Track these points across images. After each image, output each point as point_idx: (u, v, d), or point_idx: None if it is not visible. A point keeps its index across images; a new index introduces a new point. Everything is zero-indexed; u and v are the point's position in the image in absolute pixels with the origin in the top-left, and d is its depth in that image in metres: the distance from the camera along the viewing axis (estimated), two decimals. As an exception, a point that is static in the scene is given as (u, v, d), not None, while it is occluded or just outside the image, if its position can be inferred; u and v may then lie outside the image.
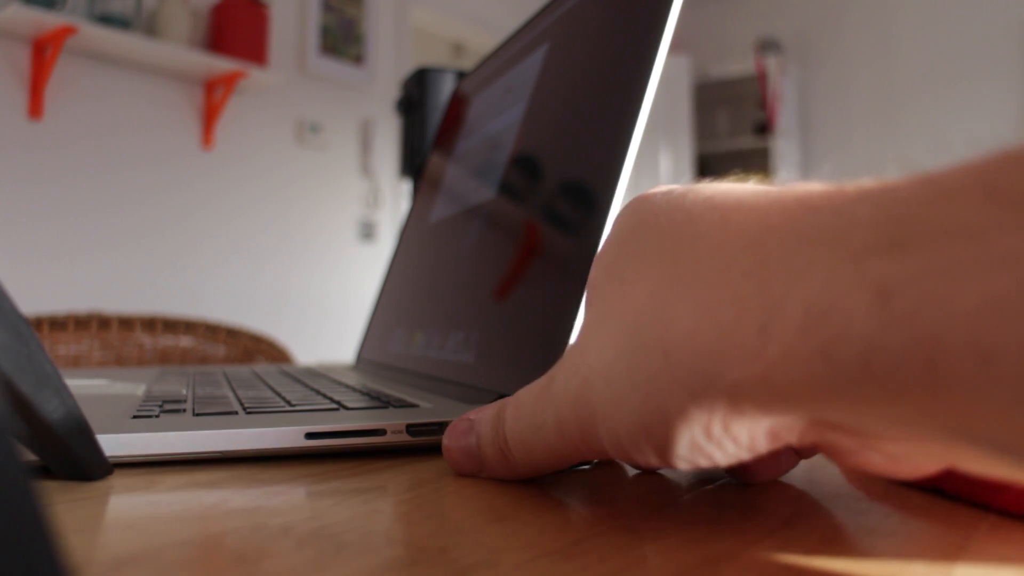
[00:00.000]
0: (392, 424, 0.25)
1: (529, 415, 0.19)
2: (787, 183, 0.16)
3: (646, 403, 0.15)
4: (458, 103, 0.57)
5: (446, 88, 0.90)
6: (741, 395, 0.14)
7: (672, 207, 0.17)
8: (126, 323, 0.96)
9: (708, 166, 4.08)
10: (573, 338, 0.26)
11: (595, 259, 0.19)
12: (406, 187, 2.55)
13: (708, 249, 0.15)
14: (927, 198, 0.12)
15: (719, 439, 0.15)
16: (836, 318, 0.12)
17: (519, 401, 0.20)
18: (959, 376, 0.11)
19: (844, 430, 0.14)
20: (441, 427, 0.25)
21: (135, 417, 0.26)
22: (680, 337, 0.15)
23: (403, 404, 0.29)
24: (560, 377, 0.18)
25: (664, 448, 0.15)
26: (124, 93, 2.06)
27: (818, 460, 0.24)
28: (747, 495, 0.19)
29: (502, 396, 0.30)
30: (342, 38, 2.56)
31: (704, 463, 0.16)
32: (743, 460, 0.16)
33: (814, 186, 0.15)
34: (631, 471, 0.22)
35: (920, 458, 0.15)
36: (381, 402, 0.30)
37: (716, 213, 0.16)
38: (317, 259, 2.50)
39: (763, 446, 0.15)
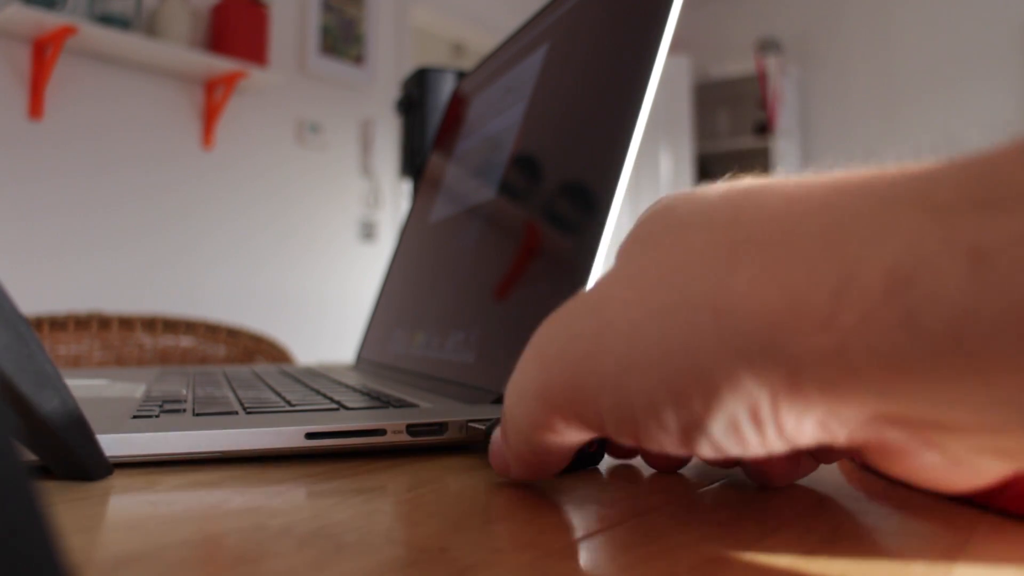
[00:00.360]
0: (392, 424, 0.25)
1: (514, 387, 0.18)
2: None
3: (682, 368, 0.13)
4: (458, 103, 0.57)
5: (446, 88, 0.90)
6: (804, 370, 0.12)
7: (723, 188, 0.16)
8: (126, 323, 0.96)
9: (708, 166, 4.08)
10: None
11: (629, 234, 0.17)
12: (406, 187, 2.55)
13: (770, 216, 0.14)
14: (1018, 158, 0.11)
15: (763, 422, 0.13)
16: (923, 282, 0.11)
17: (512, 378, 0.18)
18: None
19: (907, 425, 0.13)
20: (441, 427, 0.25)
21: (135, 417, 0.26)
22: (736, 297, 0.13)
23: (403, 404, 0.29)
24: (553, 335, 0.16)
25: (694, 423, 0.14)
26: (124, 93, 2.06)
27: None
28: (747, 495, 0.19)
29: (502, 396, 0.30)
30: (342, 38, 2.56)
31: (732, 450, 0.14)
32: (775, 453, 0.14)
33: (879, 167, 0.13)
34: (628, 472, 0.22)
35: (989, 458, 0.14)
36: (381, 402, 0.30)
37: (773, 194, 0.14)
38: (317, 259, 2.50)
39: (806, 438, 0.13)
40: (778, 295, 0.12)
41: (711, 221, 0.15)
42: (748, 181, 0.16)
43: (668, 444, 0.15)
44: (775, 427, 0.13)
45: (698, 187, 0.17)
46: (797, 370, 0.12)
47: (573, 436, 0.17)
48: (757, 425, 0.13)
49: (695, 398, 0.13)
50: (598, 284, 0.17)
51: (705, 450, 0.14)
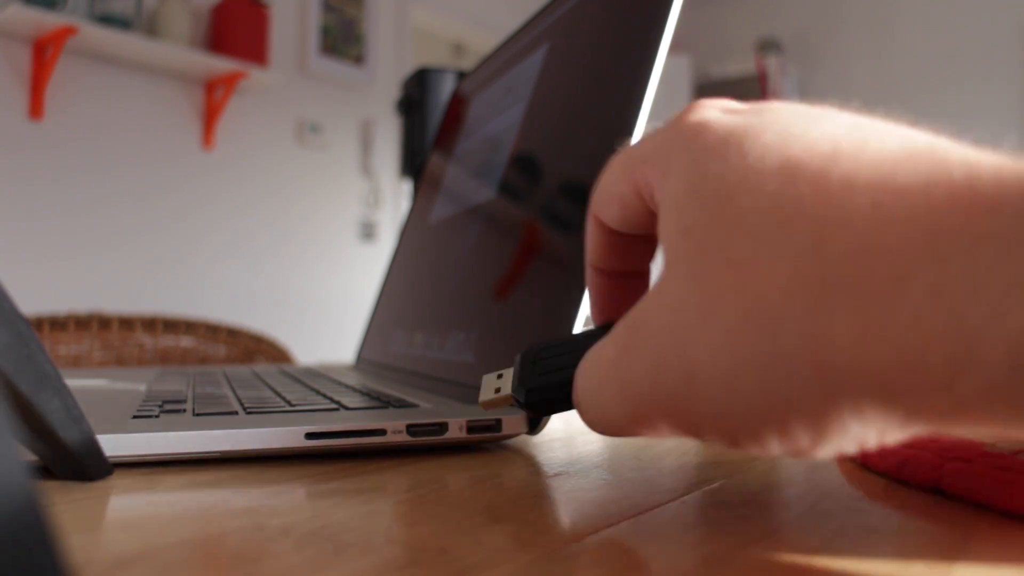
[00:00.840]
0: (392, 424, 0.25)
1: (595, 413, 0.17)
2: (899, 123, 0.14)
3: (787, 415, 0.13)
4: (458, 103, 0.57)
5: (446, 88, 0.90)
6: (917, 418, 0.12)
7: (776, 159, 0.14)
8: (127, 323, 0.96)
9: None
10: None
11: (668, 213, 0.16)
12: (406, 187, 2.55)
13: (865, 247, 0.12)
14: None
15: (866, 446, 0.14)
16: None
17: (590, 406, 0.18)
18: None
19: None
20: (441, 427, 0.25)
21: (135, 417, 0.26)
22: (839, 353, 0.12)
23: (403, 404, 0.29)
24: (638, 364, 0.16)
25: (799, 451, 0.14)
26: (124, 93, 2.07)
27: (818, 460, 0.24)
28: (747, 495, 0.19)
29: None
30: (342, 38, 2.56)
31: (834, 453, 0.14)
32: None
33: (970, 155, 0.13)
34: (628, 472, 0.22)
35: None
36: (381, 402, 0.30)
37: (855, 191, 0.13)
38: (317, 259, 2.50)
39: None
40: (888, 354, 0.12)
41: (789, 239, 0.13)
42: (812, 147, 0.14)
43: (766, 453, 0.15)
44: (875, 445, 0.14)
45: (736, 133, 0.15)
46: (909, 419, 0.12)
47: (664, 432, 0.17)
48: (860, 447, 0.14)
49: (802, 436, 0.14)
50: (665, 295, 0.15)
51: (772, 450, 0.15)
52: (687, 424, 0.15)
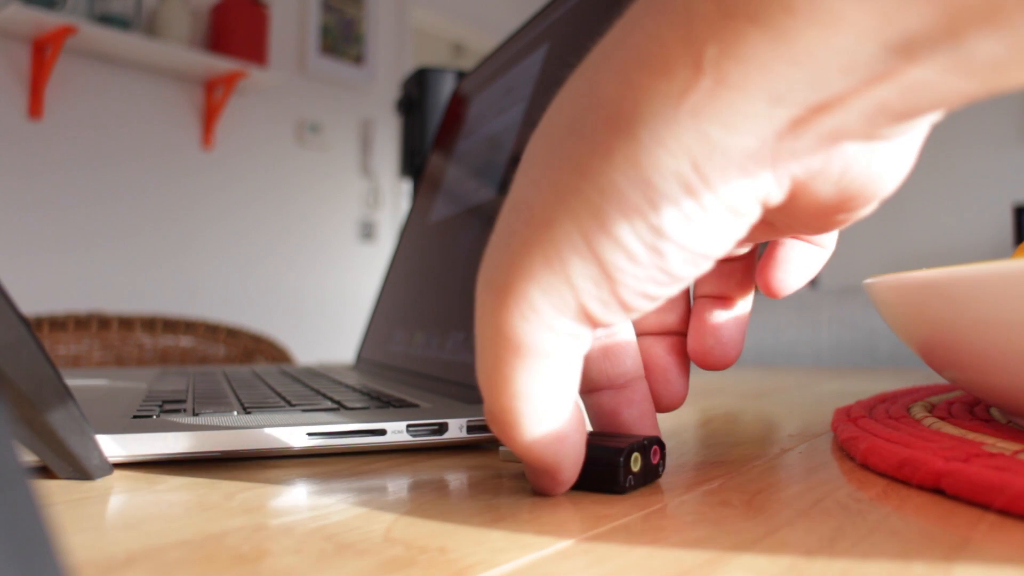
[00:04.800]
0: (392, 424, 0.25)
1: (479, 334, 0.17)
2: None
3: (609, 180, 0.14)
4: (458, 103, 0.57)
5: (446, 88, 0.90)
6: (701, 116, 0.14)
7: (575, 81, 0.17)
8: (126, 323, 0.96)
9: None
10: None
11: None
12: (406, 187, 2.55)
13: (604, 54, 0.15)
14: None
15: (695, 189, 0.14)
16: None
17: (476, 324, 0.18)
18: None
19: (820, 132, 0.14)
20: (441, 427, 0.25)
21: (135, 417, 0.26)
22: (614, 96, 0.14)
23: (403, 404, 0.29)
24: (492, 257, 0.17)
25: (650, 229, 0.15)
26: (124, 93, 2.07)
27: (818, 460, 0.24)
28: (747, 495, 0.19)
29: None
30: (342, 38, 2.56)
31: (696, 244, 0.15)
32: (733, 237, 0.15)
33: None
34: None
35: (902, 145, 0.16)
36: (381, 402, 0.30)
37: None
38: (317, 259, 2.50)
39: (741, 198, 0.15)
40: (645, 72, 0.14)
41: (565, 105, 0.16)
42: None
43: (645, 279, 0.15)
44: (709, 191, 0.14)
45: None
46: (695, 113, 0.14)
47: (558, 343, 0.16)
48: (694, 196, 0.14)
49: (631, 193, 0.14)
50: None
51: (677, 259, 0.15)
52: (560, 281, 0.15)
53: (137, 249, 2.08)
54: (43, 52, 1.87)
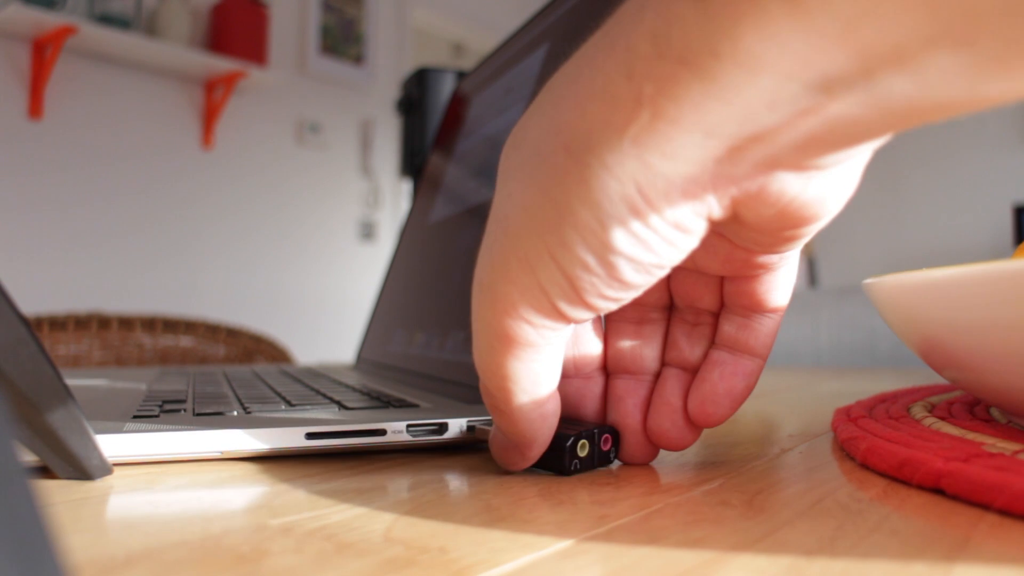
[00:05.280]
0: (392, 424, 0.25)
1: (475, 335, 0.20)
2: None
3: (565, 199, 0.16)
4: (458, 103, 0.57)
5: (446, 88, 0.90)
6: (642, 145, 0.15)
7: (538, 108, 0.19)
8: (126, 323, 0.96)
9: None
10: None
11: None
12: (406, 187, 2.55)
13: (568, 80, 0.17)
14: None
15: (641, 211, 0.16)
16: (676, 32, 0.14)
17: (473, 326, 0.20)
18: (779, 22, 0.13)
19: (755, 160, 0.15)
20: (441, 427, 0.25)
21: (135, 417, 0.26)
22: (570, 125, 0.16)
23: (403, 404, 0.29)
24: (479, 271, 0.19)
25: (602, 245, 0.16)
26: (124, 93, 2.07)
27: (818, 460, 0.24)
28: (747, 495, 0.19)
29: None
30: (342, 38, 2.56)
31: (645, 256, 0.17)
32: (680, 248, 0.17)
33: None
34: (628, 472, 0.22)
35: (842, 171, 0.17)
36: (381, 402, 0.30)
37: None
38: (317, 259, 2.50)
39: (687, 217, 0.16)
40: (597, 107, 0.16)
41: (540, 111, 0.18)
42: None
43: (603, 285, 0.17)
44: (653, 211, 0.16)
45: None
46: (638, 146, 0.15)
47: (538, 335, 0.18)
48: (640, 217, 0.16)
49: (584, 214, 0.16)
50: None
51: (628, 270, 0.17)
52: (533, 285, 0.17)
53: (137, 249, 2.08)
54: (43, 52, 1.87)
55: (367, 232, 2.65)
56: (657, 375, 0.23)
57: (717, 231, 0.19)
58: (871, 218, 3.59)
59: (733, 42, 0.13)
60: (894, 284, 0.25)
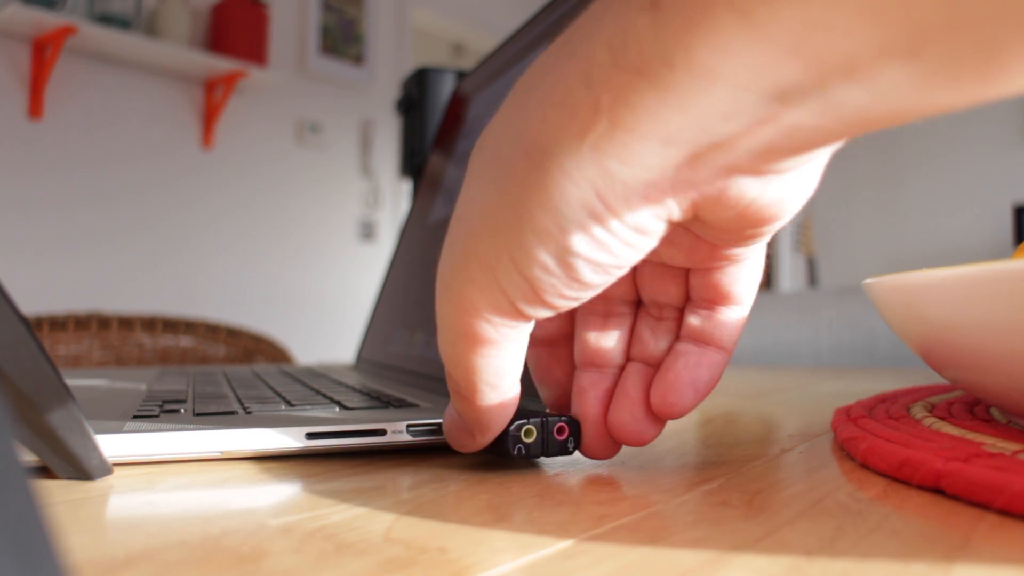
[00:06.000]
0: (392, 424, 0.25)
1: (439, 323, 0.20)
2: None
3: (523, 204, 0.16)
4: (458, 103, 0.57)
5: (446, 88, 0.90)
6: (600, 152, 0.15)
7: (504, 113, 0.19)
8: (126, 323, 0.96)
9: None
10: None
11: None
12: (406, 187, 2.55)
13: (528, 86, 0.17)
14: None
15: (600, 215, 0.16)
16: (631, 43, 0.14)
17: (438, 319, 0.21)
18: (729, 34, 0.13)
19: (714, 167, 0.16)
20: (441, 427, 0.25)
21: (135, 417, 0.26)
22: (531, 130, 0.16)
23: (403, 404, 0.29)
24: (441, 267, 0.19)
25: (561, 248, 0.16)
26: (124, 93, 2.06)
27: (818, 460, 0.24)
28: (747, 495, 0.19)
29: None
30: (342, 38, 2.56)
31: (603, 258, 0.17)
32: (639, 250, 0.17)
33: None
34: (628, 472, 0.22)
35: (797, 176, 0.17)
36: (381, 402, 0.30)
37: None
38: (317, 259, 2.50)
39: (647, 220, 0.16)
40: (556, 111, 0.16)
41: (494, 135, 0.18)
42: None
43: (561, 285, 0.17)
44: (613, 216, 0.16)
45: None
46: (597, 153, 0.15)
47: (499, 333, 0.19)
48: (599, 221, 0.16)
49: (543, 218, 0.16)
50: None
51: (586, 271, 0.17)
52: (491, 285, 0.18)
53: (137, 249, 2.08)
54: (43, 52, 1.87)
55: (367, 232, 2.65)
56: (622, 369, 0.24)
57: (683, 226, 0.19)
58: (871, 218, 3.59)
59: (687, 53, 0.14)
60: (894, 284, 0.25)
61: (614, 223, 0.16)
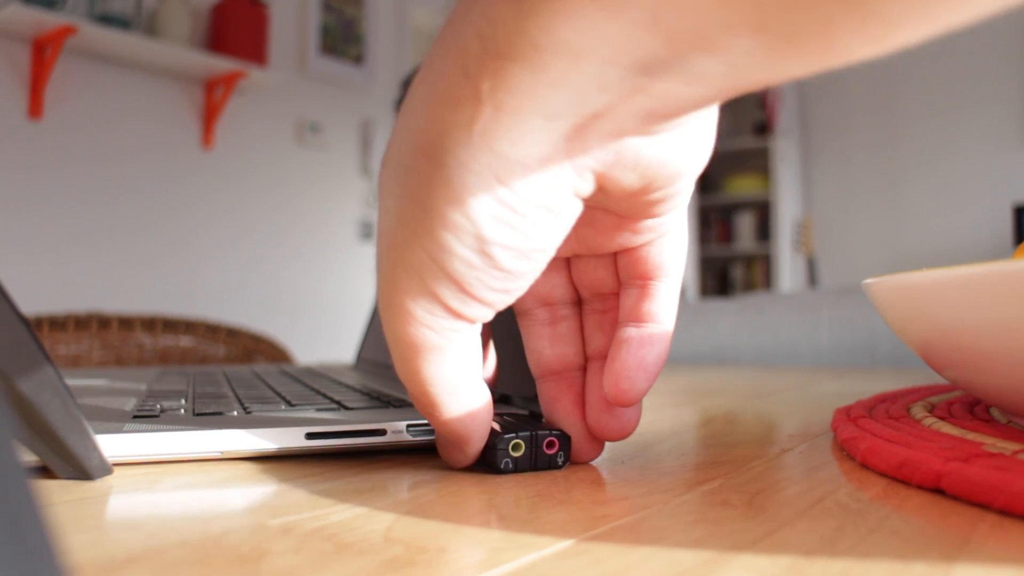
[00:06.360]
0: (392, 424, 0.25)
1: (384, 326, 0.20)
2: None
3: (423, 200, 0.17)
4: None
5: (446, 88, 0.90)
6: (490, 137, 0.16)
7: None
8: (126, 323, 0.96)
9: (708, 165, 4.07)
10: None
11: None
12: (406, 187, 2.53)
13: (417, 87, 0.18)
14: None
15: (509, 201, 0.17)
16: (499, 31, 0.15)
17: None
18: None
19: (601, 134, 0.16)
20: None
21: (135, 417, 0.26)
22: (424, 131, 0.17)
23: (403, 404, 0.29)
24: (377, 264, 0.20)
25: (474, 236, 0.17)
26: (124, 93, 2.06)
27: (818, 460, 0.24)
28: (747, 495, 0.19)
29: (503, 396, 0.30)
30: (342, 38, 2.56)
31: (516, 241, 0.17)
32: (555, 225, 0.18)
33: None
34: (628, 472, 0.22)
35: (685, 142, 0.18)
36: (381, 402, 0.30)
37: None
38: (317, 259, 2.50)
39: (553, 193, 0.17)
40: (441, 107, 0.16)
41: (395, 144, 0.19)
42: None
43: (487, 277, 0.18)
44: (517, 197, 0.17)
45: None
46: (483, 137, 0.16)
47: (441, 337, 0.19)
48: (506, 204, 0.17)
49: (452, 214, 0.17)
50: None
51: (507, 258, 0.17)
52: (421, 286, 0.18)
53: (137, 249, 2.08)
54: (43, 52, 1.87)
55: (367, 232, 2.65)
56: (585, 371, 0.24)
57: (599, 207, 0.20)
58: (871, 218, 3.59)
59: (550, 35, 0.14)
60: (894, 284, 0.25)
61: (521, 205, 0.17)
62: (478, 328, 0.20)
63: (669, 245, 0.22)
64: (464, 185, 0.16)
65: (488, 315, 0.19)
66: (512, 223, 0.17)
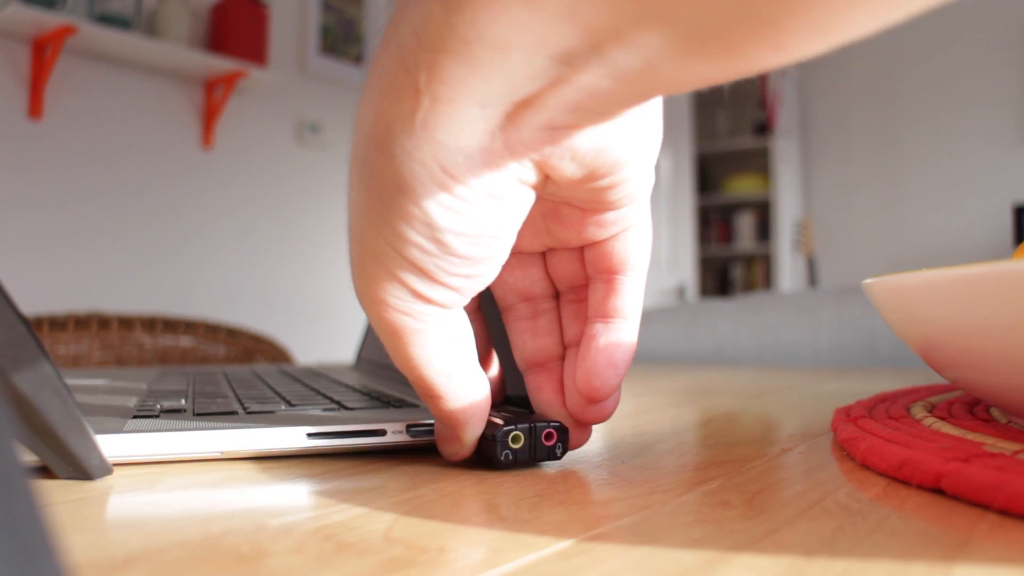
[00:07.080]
0: (392, 424, 0.25)
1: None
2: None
3: (385, 190, 0.18)
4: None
5: (446, 88, 0.90)
6: (431, 128, 0.17)
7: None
8: (126, 323, 0.96)
9: (708, 166, 4.08)
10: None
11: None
12: (406, 187, 2.54)
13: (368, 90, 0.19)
14: None
15: (454, 188, 0.17)
16: (431, 26, 0.16)
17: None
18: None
19: (534, 123, 0.17)
20: (441, 427, 0.25)
21: (135, 417, 0.26)
22: (373, 124, 0.18)
23: (403, 404, 0.29)
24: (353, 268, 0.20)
25: (427, 225, 0.18)
26: (124, 93, 2.06)
27: (818, 460, 0.24)
28: (747, 495, 0.19)
29: (507, 399, 0.30)
30: (342, 38, 2.56)
31: (469, 227, 0.18)
32: (504, 211, 0.18)
33: None
34: (628, 472, 0.23)
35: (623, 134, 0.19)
36: (381, 402, 0.30)
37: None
38: (317, 258, 2.50)
39: (496, 179, 0.18)
40: (389, 101, 0.17)
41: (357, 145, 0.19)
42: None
43: (445, 263, 0.18)
44: (462, 185, 0.17)
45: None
46: (426, 129, 0.17)
47: (419, 320, 0.20)
48: (451, 192, 0.17)
49: (404, 203, 0.18)
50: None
51: (460, 245, 0.18)
52: (388, 276, 0.19)
53: (137, 249, 2.08)
54: (43, 52, 1.87)
55: (367, 232, 2.65)
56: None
57: (558, 198, 0.21)
58: (871, 218, 3.59)
59: (476, 29, 0.15)
60: (894, 284, 0.25)
61: (466, 192, 0.18)
62: (456, 313, 0.21)
63: (633, 239, 0.23)
64: (412, 175, 0.17)
65: (458, 300, 0.20)
66: (460, 210, 0.18)
